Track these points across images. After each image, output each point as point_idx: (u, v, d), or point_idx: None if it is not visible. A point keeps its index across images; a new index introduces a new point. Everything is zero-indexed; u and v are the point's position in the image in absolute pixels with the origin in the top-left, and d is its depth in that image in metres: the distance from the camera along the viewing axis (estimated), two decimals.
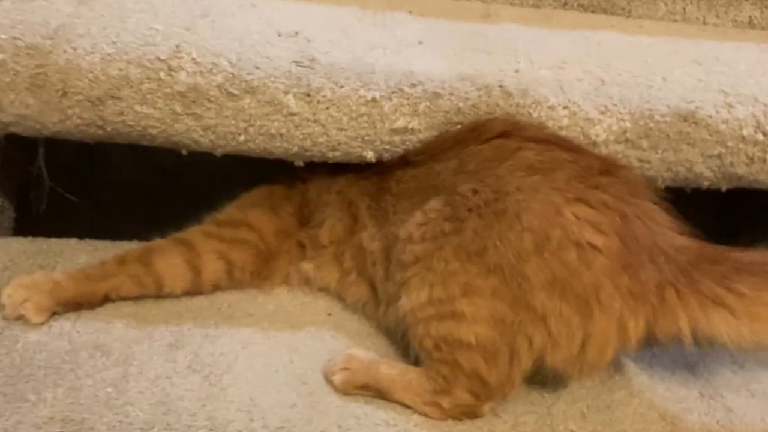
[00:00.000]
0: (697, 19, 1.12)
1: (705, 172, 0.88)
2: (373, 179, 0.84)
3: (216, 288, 0.84)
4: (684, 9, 1.11)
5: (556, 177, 0.72)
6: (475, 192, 0.73)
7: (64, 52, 0.75)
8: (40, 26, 0.77)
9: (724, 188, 0.91)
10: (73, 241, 0.89)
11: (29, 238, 0.89)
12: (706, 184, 0.90)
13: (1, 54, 0.74)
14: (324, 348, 0.79)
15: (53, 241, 0.89)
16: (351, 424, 0.71)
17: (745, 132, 0.86)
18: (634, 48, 0.97)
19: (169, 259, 0.81)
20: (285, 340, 0.80)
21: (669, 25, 1.10)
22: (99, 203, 0.98)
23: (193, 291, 0.83)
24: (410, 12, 0.97)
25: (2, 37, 0.75)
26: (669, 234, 0.72)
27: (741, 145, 0.87)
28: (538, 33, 0.98)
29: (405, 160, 0.83)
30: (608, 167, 0.76)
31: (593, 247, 0.69)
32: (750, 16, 1.13)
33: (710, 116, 0.86)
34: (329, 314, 0.85)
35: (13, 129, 0.79)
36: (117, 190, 1.03)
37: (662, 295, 0.70)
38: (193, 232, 0.84)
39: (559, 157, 0.75)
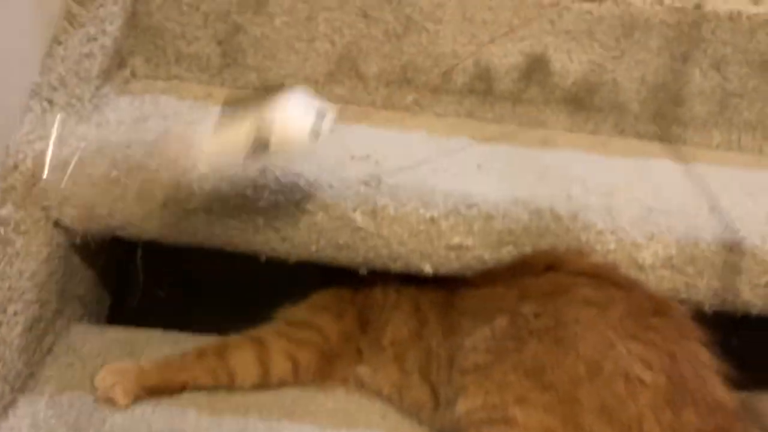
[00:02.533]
0: (752, 148, 1.16)
1: (753, 299, 0.91)
2: (441, 293, 0.92)
3: (282, 384, 0.92)
4: (739, 138, 1.16)
5: (611, 314, 0.79)
6: (537, 317, 0.81)
7: (167, 170, 0.88)
8: (149, 146, 0.90)
9: None
10: (158, 333, 0.99)
11: (121, 328, 0.99)
12: (755, 311, 0.92)
13: (116, 170, 0.87)
14: None
15: (141, 331, 0.99)
16: None
17: None
18: (684, 177, 1.02)
19: (242, 355, 0.90)
20: None
21: (723, 154, 1.15)
22: (183, 299, 1.09)
23: (262, 386, 0.90)
24: (473, 137, 1.07)
25: (118, 155, 0.88)
26: (714, 383, 0.78)
27: None
28: (593, 159, 1.05)
29: (469, 282, 0.90)
30: (661, 307, 0.82)
31: (641, 381, 0.75)
32: None
33: (757, 246, 0.90)
34: (383, 417, 0.91)
35: (118, 233, 0.91)
36: (200, 288, 1.14)
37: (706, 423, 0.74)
38: (265, 330, 0.93)
39: (614, 295, 0.82)
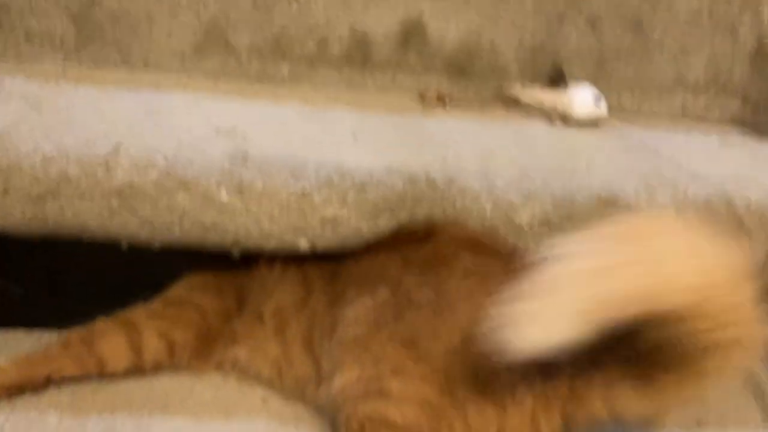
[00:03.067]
0: (631, 107, 1.17)
1: None
2: (329, 263, 0.88)
3: (157, 367, 0.86)
4: (618, 97, 1.17)
5: (491, 283, 0.76)
6: (419, 287, 0.78)
7: (7, 154, 0.80)
8: None
9: None
10: (17, 333, 0.91)
11: None
12: None
13: None
14: None
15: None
16: None
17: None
18: (560, 137, 1.02)
19: (111, 339, 0.84)
20: (217, 428, 0.81)
21: None
22: (47, 296, 1.01)
23: (135, 370, 0.84)
24: (350, 107, 1.03)
25: None
26: None
27: None
28: (472, 125, 1.03)
29: (356, 252, 0.87)
30: None
31: None
32: (682, 105, 1.19)
33: (631, 201, 0.89)
34: (264, 401, 0.86)
35: None
36: (65, 283, 1.07)
37: (573, 386, 0.73)
38: (136, 312, 0.87)
39: (493, 264, 0.80)
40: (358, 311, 0.79)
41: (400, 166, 0.88)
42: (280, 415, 0.84)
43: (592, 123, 0.98)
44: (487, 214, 0.87)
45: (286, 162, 0.86)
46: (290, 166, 0.86)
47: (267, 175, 0.84)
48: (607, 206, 0.89)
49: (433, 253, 0.82)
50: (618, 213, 0.89)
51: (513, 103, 1.08)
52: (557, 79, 1.05)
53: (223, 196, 0.83)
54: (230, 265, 0.91)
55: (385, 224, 0.87)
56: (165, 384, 0.86)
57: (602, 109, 1.00)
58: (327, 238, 0.87)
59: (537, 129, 1.04)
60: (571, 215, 0.89)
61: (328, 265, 0.88)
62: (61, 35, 1.03)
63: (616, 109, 1.16)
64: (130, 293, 0.89)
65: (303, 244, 0.87)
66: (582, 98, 1.00)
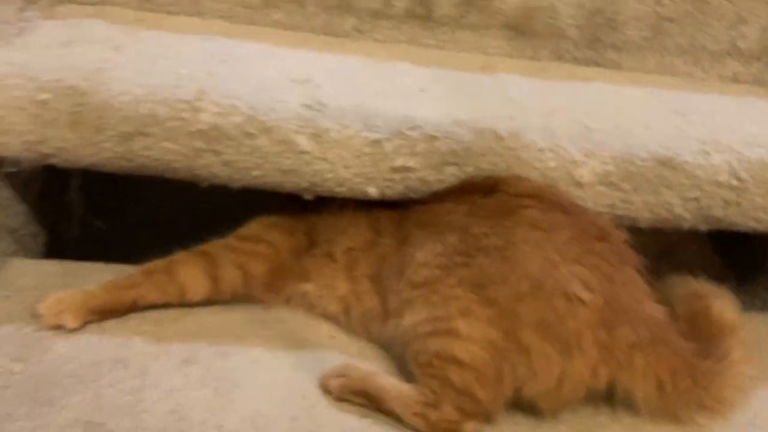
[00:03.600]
0: (684, 72, 1.19)
1: (684, 214, 0.95)
2: (397, 207, 0.93)
3: (233, 295, 0.91)
4: (672, 63, 1.19)
5: (556, 237, 0.82)
6: (487, 236, 0.83)
7: (99, 92, 0.84)
8: (79, 69, 0.86)
9: (704, 229, 0.97)
10: (99, 265, 0.97)
11: (59, 261, 0.96)
12: (686, 225, 0.96)
13: (46, 94, 0.83)
14: (325, 367, 0.86)
15: (81, 264, 0.96)
16: None
17: (720, 177, 0.93)
18: (619, 98, 1.05)
19: (190, 268, 0.89)
20: (289, 359, 0.87)
21: (657, 78, 1.17)
22: (126, 232, 1.07)
23: (213, 298, 0.90)
24: (414, 62, 1.06)
25: (47, 78, 0.84)
26: (648, 304, 0.83)
27: (717, 190, 0.94)
28: (532, 83, 1.06)
29: (423, 199, 0.92)
30: (603, 233, 0.85)
31: (580, 300, 0.79)
32: (734, 72, 1.21)
33: (687, 162, 0.93)
34: (332, 337, 0.91)
35: (51, 161, 0.87)
36: (142, 220, 1.12)
37: (631, 355, 0.79)
38: (213, 245, 0.92)
39: (559, 219, 0.85)
40: (427, 255, 0.84)
41: (467, 119, 0.92)
42: (346, 350, 0.90)
43: None
44: (549, 169, 0.91)
45: (359, 112, 0.90)
46: (363, 117, 0.90)
47: (342, 124, 0.88)
48: (664, 167, 0.92)
49: (500, 205, 0.86)
50: (675, 175, 0.93)
51: None
52: None
53: (302, 142, 0.87)
54: (300, 205, 0.95)
55: (451, 175, 0.91)
56: (239, 316, 0.92)
57: None
58: (395, 187, 0.91)
59: (597, 87, 1.07)
60: (629, 175, 0.92)
61: (396, 210, 0.92)
62: None
63: (669, 74, 1.19)
64: (205, 229, 0.94)
65: (372, 191, 0.91)
66: None
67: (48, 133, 0.84)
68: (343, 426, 0.79)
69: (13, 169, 0.88)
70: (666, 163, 0.93)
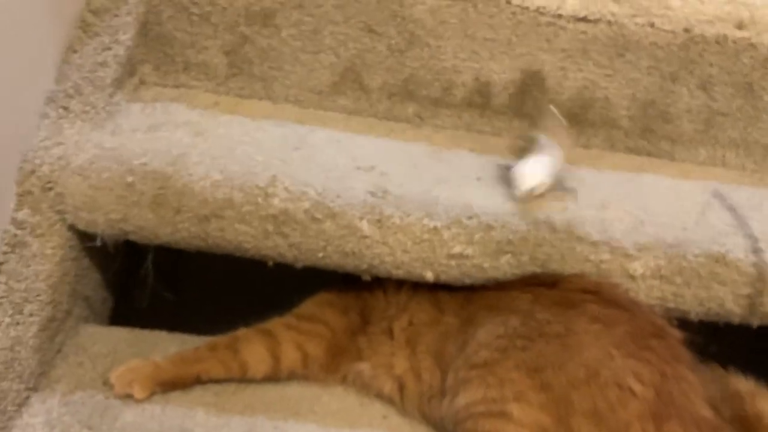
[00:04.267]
0: (736, 165, 1.21)
1: (735, 309, 0.96)
2: (462, 290, 0.96)
3: (291, 375, 0.95)
4: (723, 155, 1.21)
5: (614, 332, 0.85)
6: (549, 323, 0.87)
7: (182, 177, 0.91)
8: (165, 154, 0.93)
9: (756, 324, 0.98)
10: (165, 334, 1.02)
11: (129, 329, 1.02)
12: (736, 320, 0.98)
13: (132, 177, 0.90)
14: None
15: (148, 332, 1.02)
16: None
17: None
18: (672, 191, 1.07)
19: (253, 346, 0.93)
20: None
21: (709, 169, 1.20)
22: (188, 302, 1.12)
23: (272, 377, 0.94)
24: (471, 150, 1.11)
25: (135, 162, 0.91)
26: (699, 402, 0.84)
27: None
28: (585, 173, 1.10)
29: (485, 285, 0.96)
30: (659, 331, 0.88)
31: (632, 391, 0.81)
32: None
33: (740, 259, 0.95)
34: (384, 417, 0.94)
35: (131, 237, 0.94)
36: (204, 291, 1.18)
37: None
38: (275, 324, 0.97)
39: (618, 315, 0.88)
40: (489, 336, 0.87)
41: (523, 210, 0.96)
42: (398, 431, 0.92)
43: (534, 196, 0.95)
44: (603, 261, 0.94)
45: (420, 199, 0.95)
46: (424, 204, 0.94)
47: (403, 211, 0.93)
48: (716, 264, 0.94)
49: (563, 297, 0.90)
50: (727, 271, 0.95)
51: None
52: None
53: (365, 227, 0.92)
54: (354, 283, 1.00)
55: (506, 264, 0.94)
56: (295, 392, 0.95)
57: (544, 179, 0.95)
58: (450, 272, 0.95)
59: (649, 179, 1.10)
60: (681, 270, 0.94)
61: (461, 291, 0.96)
62: (215, 67, 1.14)
63: (720, 167, 1.22)
64: (267, 305, 0.98)
65: (429, 275, 0.95)
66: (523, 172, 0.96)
67: (131, 213, 0.91)
68: None
69: (96, 244, 0.95)
70: (719, 259, 0.94)
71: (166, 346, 0.99)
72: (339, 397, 0.96)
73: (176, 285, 1.05)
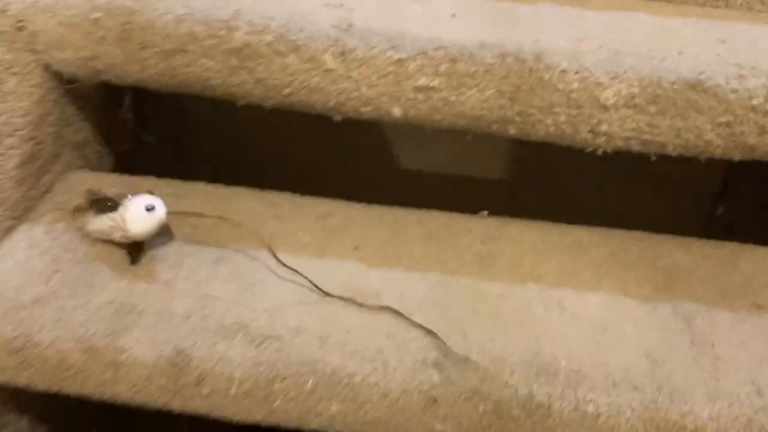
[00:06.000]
0: (741, 5, 1.15)
1: (715, 140, 0.93)
2: None
3: None
4: None
5: None
6: None
7: (146, 11, 0.92)
8: None
9: (737, 158, 0.95)
10: (151, 179, 1.05)
11: (114, 174, 1.06)
12: (718, 153, 0.94)
13: (97, 12, 0.92)
14: None
15: (135, 178, 1.06)
16: None
17: (755, 102, 0.91)
18: (659, 28, 1.03)
19: None
20: None
21: (710, 11, 1.13)
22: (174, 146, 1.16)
23: None
24: None
25: None
26: None
27: (751, 115, 0.91)
28: (569, 12, 1.06)
29: None
30: None
31: None
32: None
33: (719, 86, 0.91)
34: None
35: (104, 77, 0.96)
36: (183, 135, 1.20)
37: None
38: None
39: None
40: None
41: (492, 42, 0.93)
42: None
43: (156, 231, 0.88)
44: (572, 90, 0.91)
45: (386, 33, 0.93)
46: (389, 37, 0.93)
47: (367, 44, 0.92)
48: (693, 91, 0.91)
49: None
50: (704, 99, 0.91)
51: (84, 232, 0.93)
52: (100, 204, 0.90)
53: (328, 60, 0.92)
54: None
55: (473, 97, 0.93)
56: None
57: (158, 213, 0.87)
58: (419, 108, 0.94)
59: (635, 17, 1.05)
60: (656, 98, 0.91)
61: None
62: None
63: (723, 8, 1.15)
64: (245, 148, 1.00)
65: (396, 111, 0.95)
66: (132, 212, 0.86)
67: (99, 50, 0.93)
68: None
69: (74, 85, 0.98)
70: (696, 86, 0.91)
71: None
72: None
73: (155, 130, 1.08)
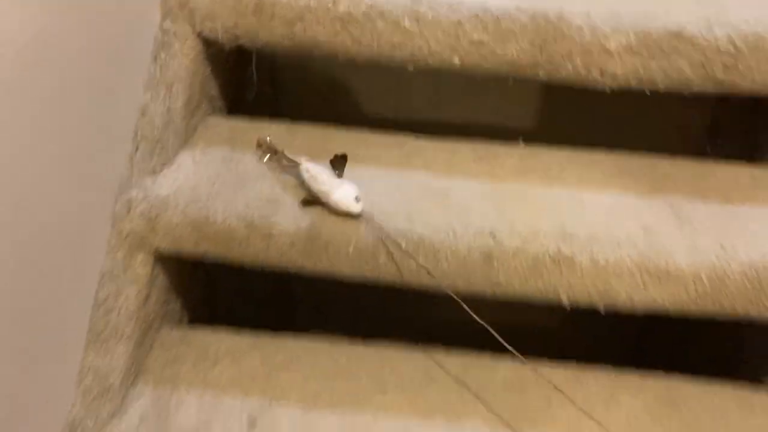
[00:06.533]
0: None
1: (692, 77, 1.26)
2: None
3: None
4: None
5: None
6: None
7: None
8: None
9: (711, 91, 1.28)
10: (267, 121, 1.41)
11: (241, 117, 1.42)
12: (695, 87, 1.27)
13: None
14: None
15: (257, 119, 1.41)
16: None
17: (721, 45, 1.23)
18: None
19: None
20: None
21: None
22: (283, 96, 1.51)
23: None
24: None
25: None
26: None
27: (718, 56, 1.24)
28: None
29: None
30: None
31: None
32: None
33: (694, 35, 1.24)
34: None
35: (240, 41, 1.31)
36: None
37: None
38: None
39: None
40: None
41: (526, 6, 1.27)
42: None
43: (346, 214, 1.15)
44: (585, 41, 1.25)
45: (447, 1, 1.28)
46: (450, 3, 1.27)
47: (434, 10, 1.26)
48: (674, 38, 1.24)
49: None
50: (683, 45, 1.24)
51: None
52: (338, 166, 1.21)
53: (406, 22, 1.26)
54: None
55: (513, 48, 1.27)
56: None
57: (359, 205, 1.14)
58: (472, 57, 1.28)
59: None
60: (648, 45, 1.24)
61: None
62: None
63: None
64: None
65: (456, 60, 1.29)
66: (342, 197, 1.14)
67: (240, 20, 1.28)
68: None
69: (217, 49, 1.33)
70: (677, 35, 1.24)
71: (271, 131, 1.37)
72: None
73: (273, 83, 1.43)
